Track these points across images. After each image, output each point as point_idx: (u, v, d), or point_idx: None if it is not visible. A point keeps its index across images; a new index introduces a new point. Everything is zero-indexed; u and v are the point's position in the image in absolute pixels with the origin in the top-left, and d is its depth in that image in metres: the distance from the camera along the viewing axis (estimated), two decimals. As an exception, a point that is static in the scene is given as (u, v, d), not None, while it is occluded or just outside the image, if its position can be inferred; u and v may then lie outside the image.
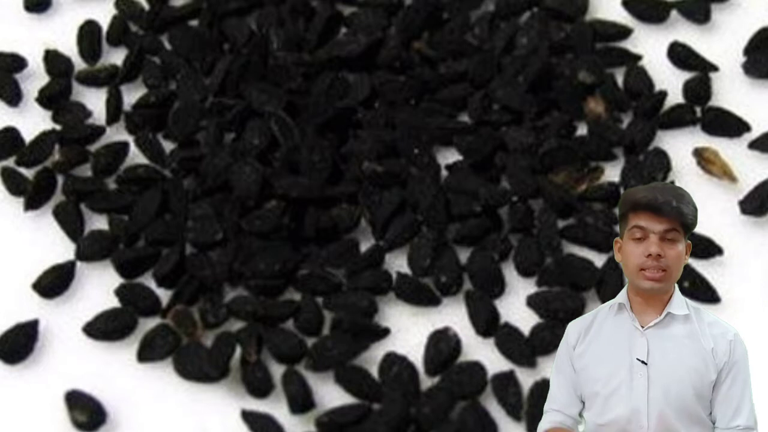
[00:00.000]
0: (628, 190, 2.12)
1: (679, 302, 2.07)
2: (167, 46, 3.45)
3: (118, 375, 2.93)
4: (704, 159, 3.16)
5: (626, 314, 2.07)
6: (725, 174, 3.14)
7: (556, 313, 2.92)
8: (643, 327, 2.05)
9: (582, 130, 3.24)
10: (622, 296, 2.09)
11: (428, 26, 3.42)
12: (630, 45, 3.39)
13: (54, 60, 3.44)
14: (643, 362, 2.03)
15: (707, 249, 3.02)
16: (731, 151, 3.19)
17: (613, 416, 2.05)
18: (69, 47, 3.47)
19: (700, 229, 2.95)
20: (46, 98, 3.35)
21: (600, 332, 2.10)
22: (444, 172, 3.17)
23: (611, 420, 2.05)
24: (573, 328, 2.14)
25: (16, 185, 3.21)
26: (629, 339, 2.06)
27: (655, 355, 2.03)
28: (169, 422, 2.88)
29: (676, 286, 2.08)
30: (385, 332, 2.95)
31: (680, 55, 3.35)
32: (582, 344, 2.10)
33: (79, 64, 3.45)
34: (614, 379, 2.05)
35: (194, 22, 3.50)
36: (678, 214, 2.02)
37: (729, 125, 3.23)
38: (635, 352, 2.04)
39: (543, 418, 2.15)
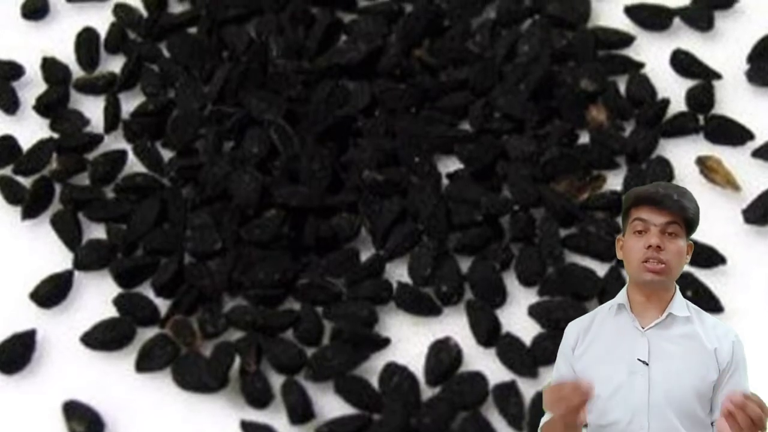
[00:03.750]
0: (632, 189, 2.15)
1: (681, 304, 2.10)
2: (166, 53, 3.45)
3: (116, 385, 2.92)
4: (707, 167, 3.15)
5: (626, 315, 2.09)
6: (728, 182, 3.12)
7: (558, 322, 2.90)
8: (643, 327, 2.06)
9: (584, 138, 3.24)
10: (621, 297, 2.12)
11: (429, 34, 3.41)
12: (632, 52, 3.39)
13: (51, 68, 3.43)
14: (644, 363, 2.04)
15: (710, 258, 3.01)
16: (734, 159, 3.18)
17: (614, 417, 2.07)
18: (67, 55, 3.46)
19: (703, 238, 2.98)
20: (43, 106, 3.34)
21: (600, 333, 2.12)
22: (445, 181, 3.16)
23: (612, 421, 2.07)
24: (572, 329, 2.16)
25: (13, 194, 3.20)
26: (630, 339, 2.08)
27: (656, 356, 2.05)
28: (167, 433, 2.87)
29: (678, 288, 2.10)
30: (385, 342, 2.93)
31: (683, 63, 3.34)
32: (581, 345, 2.12)
33: (76, 71, 3.45)
34: (615, 379, 2.06)
35: (193, 30, 3.50)
36: (679, 208, 2.06)
37: (732, 133, 3.22)
38: (636, 353, 2.06)
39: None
